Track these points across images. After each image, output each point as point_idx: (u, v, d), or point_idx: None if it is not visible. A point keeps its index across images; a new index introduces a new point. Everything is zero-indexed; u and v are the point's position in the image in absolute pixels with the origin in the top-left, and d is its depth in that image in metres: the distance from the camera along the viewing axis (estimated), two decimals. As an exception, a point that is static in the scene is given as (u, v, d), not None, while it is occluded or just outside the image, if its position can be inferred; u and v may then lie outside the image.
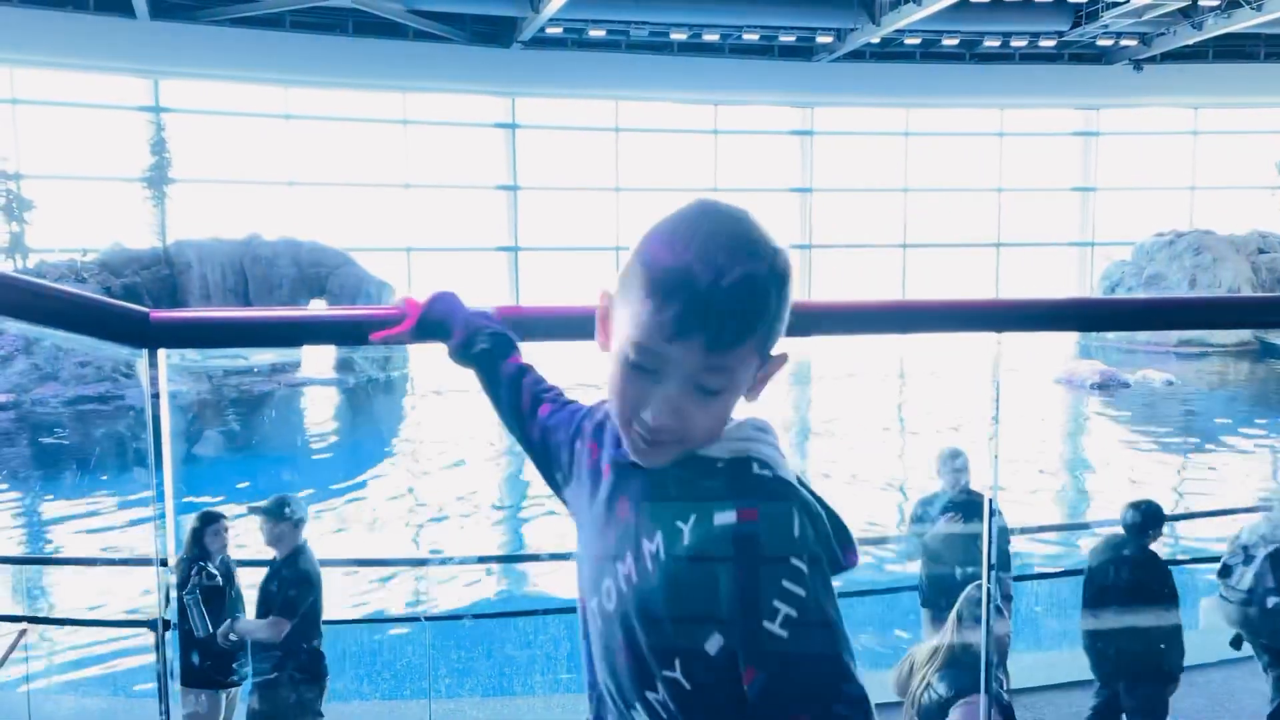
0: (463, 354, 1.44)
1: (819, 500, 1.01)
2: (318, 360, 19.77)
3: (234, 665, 4.64)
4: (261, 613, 4.59)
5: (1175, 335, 22.55)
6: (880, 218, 29.98)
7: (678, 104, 28.36)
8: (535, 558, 9.40)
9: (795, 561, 0.94)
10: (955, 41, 26.86)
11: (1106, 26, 25.32)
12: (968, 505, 5.07)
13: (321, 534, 10.57)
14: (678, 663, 0.99)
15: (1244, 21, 23.50)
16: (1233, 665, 5.70)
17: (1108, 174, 30.54)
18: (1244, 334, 22.97)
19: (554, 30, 24.93)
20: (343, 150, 26.28)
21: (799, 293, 1.03)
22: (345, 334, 1.21)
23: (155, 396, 1.19)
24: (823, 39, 26.18)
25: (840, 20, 24.94)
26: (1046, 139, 30.23)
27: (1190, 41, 25.73)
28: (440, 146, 27.15)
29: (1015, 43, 27.01)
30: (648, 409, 0.98)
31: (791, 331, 1.03)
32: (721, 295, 0.95)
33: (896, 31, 24.67)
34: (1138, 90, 28.38)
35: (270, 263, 21.22)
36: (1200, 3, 23.72)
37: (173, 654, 4.52)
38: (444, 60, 25.07)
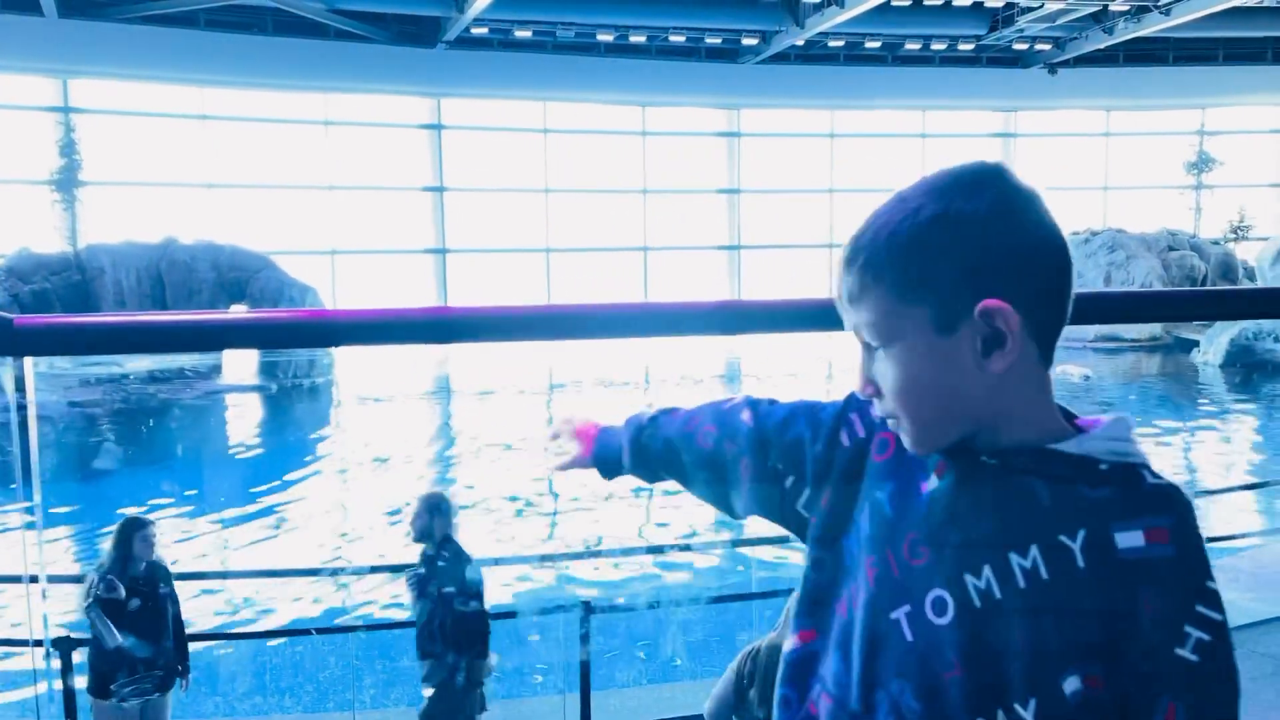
0: (639, 460, 1.23)
1: None
2: (239, 366, 19.32)
3: (137, 678, 4.49)
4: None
5: (1093, 331, 23.18)
6: (807, 218, 30.33)
7: (605, 105, 28.35)
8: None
9: (1209, 584, 0.86)
10: (878, 44, 27.29)
11: (1022, 31, 25.95)
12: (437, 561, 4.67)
13: (243, 542, 10.32)
14: (1033, 703, 0.87)
15: (1153, 26, 24.27)
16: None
17: (1026, 175, 31.15)
18: (1157, 329, 23.73)
19: (479, 30, 24.74)
20: (263, 152, 25.72)
21: (734, 292, 1.00)
22: (227, 338, 1.14)
23: (22, 408, 1.11)
24: (748, 41, 26.39)
25: (765, 23, 25.17)
26: (967, 140, 30.88)
27: (1102, 46, 26.50)
28: (364, 148, 26.75)
29: (935, 46, 27.55)
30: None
31: (724, 330, 1.01)
32: (852, 244, 0.96)
33: (820, 34, 24.98)
34: (1052, 93, 29.14)
35: (188, 267, 20.68)
36: (1111, 8, 24.44)
37: (78, 672, 4.35)
38: (367, 60, 24.70)
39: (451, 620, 4.45)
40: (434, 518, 4.59)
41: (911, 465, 0.97)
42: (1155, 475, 0.89)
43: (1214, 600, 0.85)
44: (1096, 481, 0.88)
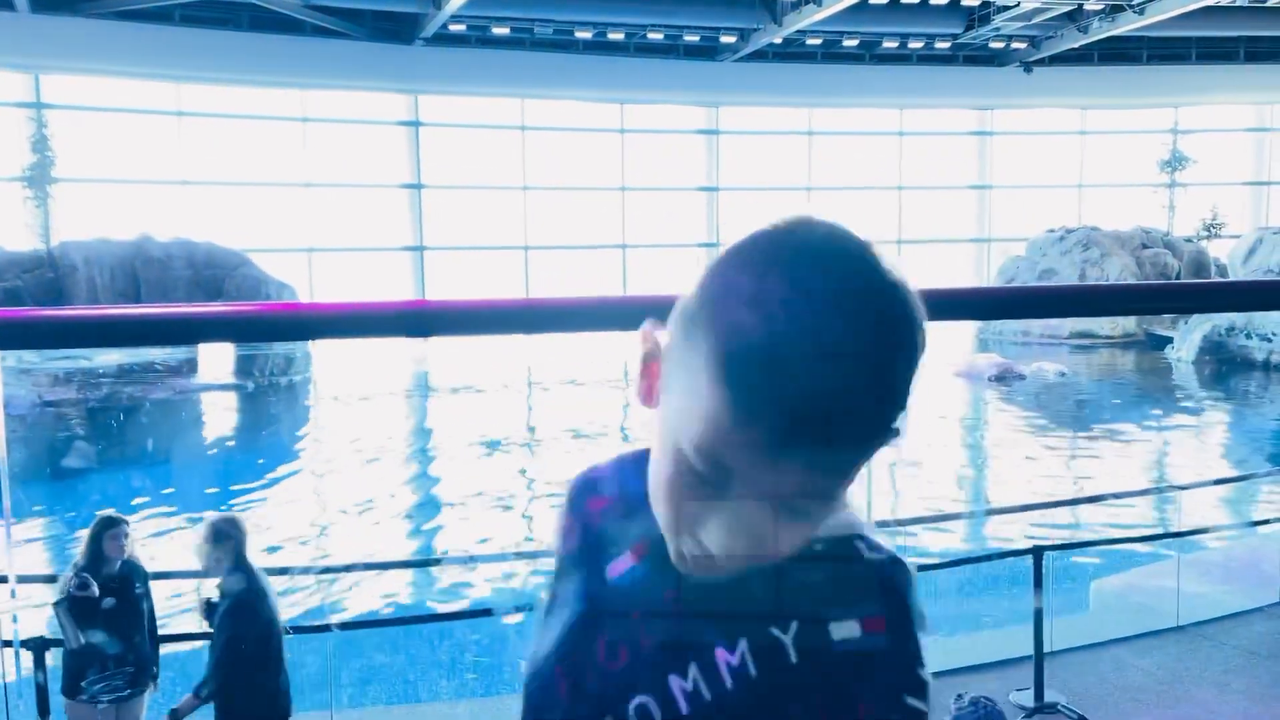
0: None
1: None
2: (216, 363, 19.17)
3: (107, 675, 4.45)
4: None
5: (1067, 328, 23.38)
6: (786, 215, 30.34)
7: (584, 102, 28.30)
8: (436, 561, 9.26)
9: (920, 672, 0.77)
10: (855, 42, 27.38)
11: (998, 30, 26.10)
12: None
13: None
14: None
15: (1127, 25, 24.47)
16: (1121, 644, 5.90)
17: (1002, 172, 31.51)
18: (1131, 326, 23.95)
19: (457, 27, 24.64)
20: (239, 148, 25.53)
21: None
22: (200, 332, 1.13)
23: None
24: (726, 39, 26.42)
25: (743, 20, 25.20)
26: (944, 138, 31.04)
27: (1077, 45, 26.70)
28: (341, 145, 26.59)
29: (912, 44, 27.68)
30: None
31: None
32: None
33: (798, 32, 25.04)
34: (1028, 91, 29.33)
35: (164, 265, 20.48)
36: (1085, 7, 24.62)
37: (45, 673, 4.31)
38: (344, 57, 24.55)
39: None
40: (218, 545, 4.47)
41: (598, 548, 0.84)
42: (873, 548, 0.79)
43: (923, 691, 0.77)
44: (812, 566, 0.77)
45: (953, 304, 1.70)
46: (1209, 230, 30.07)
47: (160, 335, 1.24)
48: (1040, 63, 28.58)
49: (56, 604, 4.37)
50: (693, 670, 0.77)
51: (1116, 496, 9.37)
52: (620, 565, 0.82)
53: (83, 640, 4.34)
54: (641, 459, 0.82)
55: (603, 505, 0.87)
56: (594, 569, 0.84)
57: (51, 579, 4.83)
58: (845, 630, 0.76)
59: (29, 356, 13.52)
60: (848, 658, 0.75)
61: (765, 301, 0.68)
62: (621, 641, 0.81)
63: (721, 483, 0.70)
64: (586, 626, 0.83)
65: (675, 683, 0.78)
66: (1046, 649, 5.32)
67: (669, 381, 0.75)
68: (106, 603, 4.44)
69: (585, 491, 0.90)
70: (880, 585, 0.78)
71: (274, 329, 1.20)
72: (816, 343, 0.65)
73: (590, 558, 0.85)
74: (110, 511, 4.83)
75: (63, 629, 4.37)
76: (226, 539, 4.44)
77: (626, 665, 0.80)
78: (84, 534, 4.66)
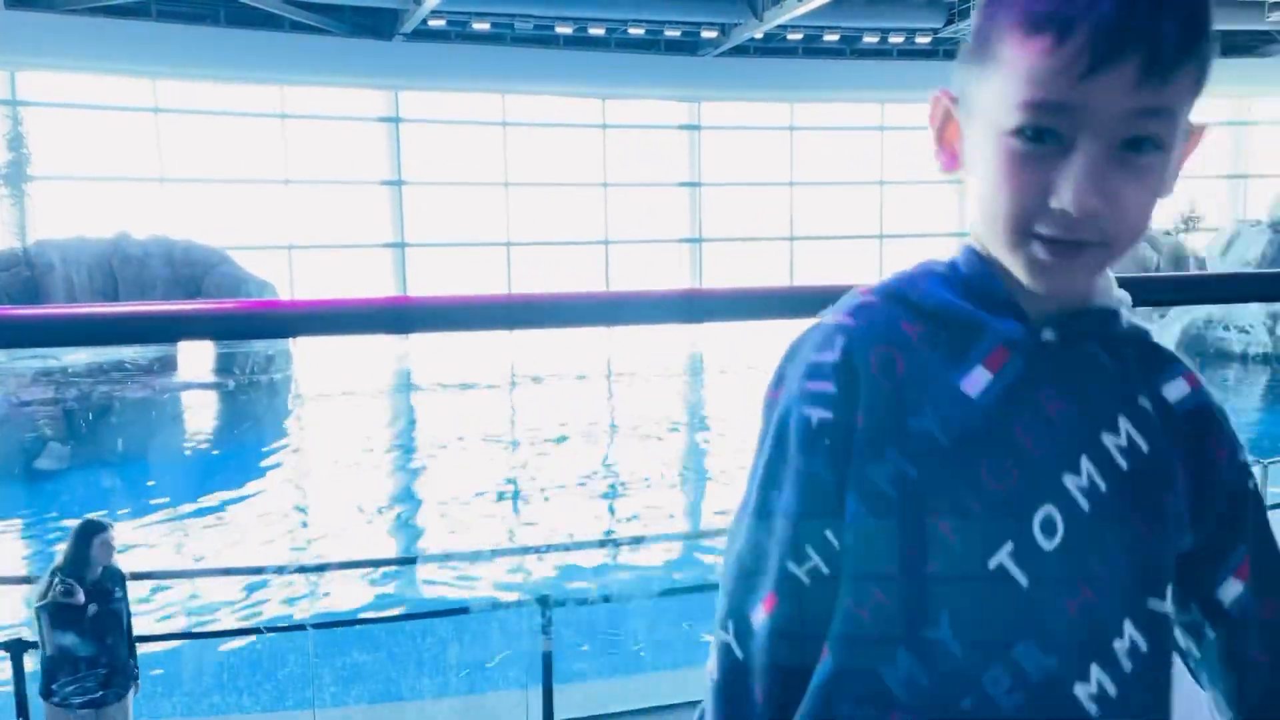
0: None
1: None
2: (195, 362, 19.04)
3: (79, 677, 4.42)
4: None
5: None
6: (768, 211, 30.43)
7: (565, 98, 28.23)
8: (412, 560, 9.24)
9: (1231, 428, 0.83)
10: (836, 37, 27.42)
11: (978, 24, 26.18)
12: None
13: (200, 539, 10.18)
14: (1161, 584, 0.78)
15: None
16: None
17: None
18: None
19: (436, 23, 24.52)
20: (217, 145, 25.33)
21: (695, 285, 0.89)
22: (177, 330, 1.12)
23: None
24: (707, 34, 26.41)
25: (724, 15, 25.20)
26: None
27: (1056, 39, 26.82)
28: (321, 141, 26.42)
29: (893, 39, 27.74)
30: (1060, 193, 0.70)
31: (687, 319, 0.90)
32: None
33: (779, 27, 25.06)
34: (1008, 86, 29.43)
35: (141, 263, 20.31)
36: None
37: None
38: (323, 52, 24.39)
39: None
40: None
41: (938, 370, 0.77)
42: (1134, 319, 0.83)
43: (1239, 446, 0.84)
44: (1128, 337, 0.81)
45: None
46: (1187, 224, 30.27)
47: (140, 333, 1.22)
48: (1020, 57, 28.67)
49: (39, 608, 4.33)
50: (1084, 463, 0.76)
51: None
52: (976, 382, 0.77)
53: (59, 644, 4.30)
54: (927, 274, 0.82)
55: (916, 333, 0.78)
56: (943, 395, 0.76)
57: (27, 580, 4.78)
58: (1176, 390, 0.81)
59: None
60: (1193, 414, 0.81)
61: None
62: (1008, 459, 0.75)
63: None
64: (960, 459, 0.75)
65: (1070, 482, 0.76)
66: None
67: (977, 96, 0.78)
68: (90, 609, 4.40)
69: (869, 341, 0.78)
70: (1173, 353, 0.83)
71: (254, 326, 1.19)
72: None
73: (925, 386, 0.77)
74: (97, 515, 4.79)
75: (39, 632, 4.33)
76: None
77: (1016, 482, 0.75)
78: (67, 537, 4.61)
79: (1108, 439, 0.77)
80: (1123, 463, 0.77)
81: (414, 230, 27.48)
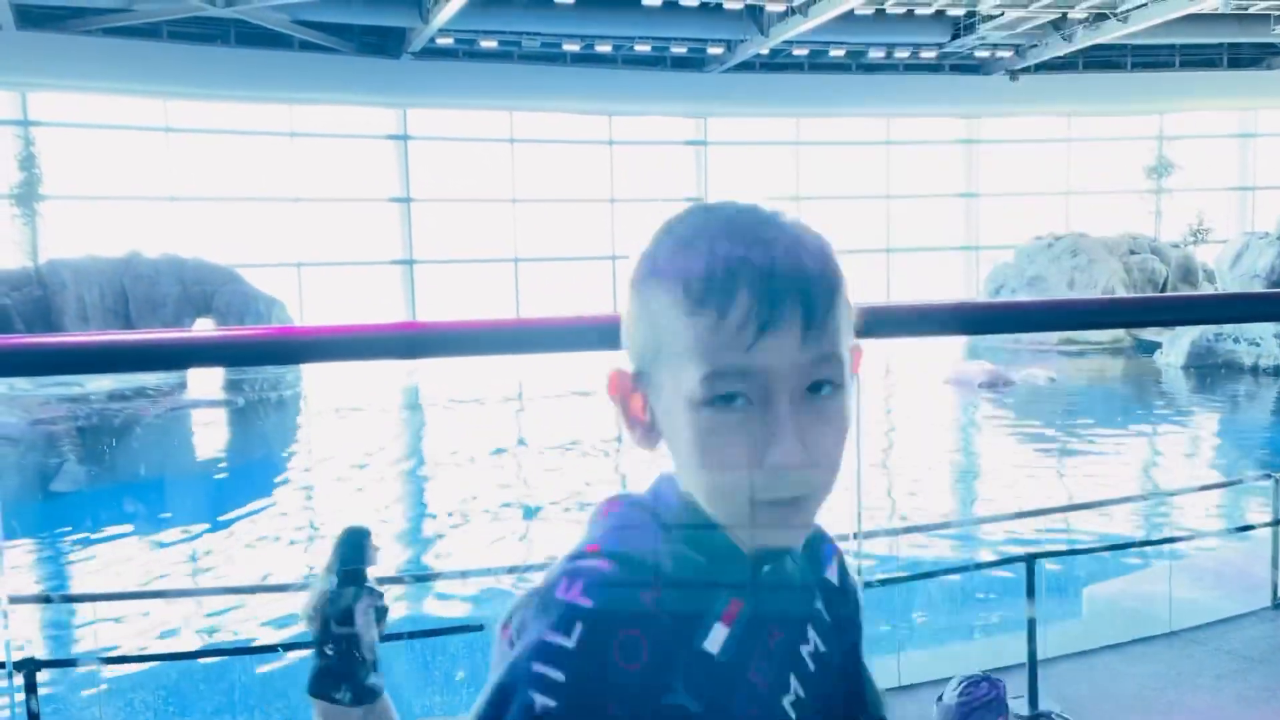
0: None
1: None
2: (205, 380, 19.11)
3: (365, 678, 4.55)
4: None
5: (1057, 335, 23.44)
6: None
7: (572, 115, 28.35)
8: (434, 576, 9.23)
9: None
10: (842, 52, 27.49)
11: (983, 38, 26.25)
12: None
13: (207, 558, 10.20)
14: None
15: (1111, 34, 24.64)
16: (1114, 650, 5.91)
17: (989, 180, 31.65)
18: (1119, 332, 24.02)
19: (444, 41, 24.67)
20: (227, 164, 25.49)
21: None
22: (191, 357, 1.14)
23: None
24: (713, 50, 26.51)
25: (730, 32, 25.29)
26: (931, 147, 31.16)
27: (1062, 53, 26.85)
28: (330, 159, 26.57)
29: (899, 54, 27.80)
30: (768, 453, 0.72)
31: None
32: (786, 261, 0.73)
33: (785, 42, 25.13)
34: (1015, 100, 29.47)
35: (152, 281, 20.43)
36: (1070, 15, 24.78)
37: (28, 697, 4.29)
38: (332, 71, 24.56)
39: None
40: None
41: (682, 638, 0.75)
42: None
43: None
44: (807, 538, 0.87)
45: (938, 319, 1.71)
46: (1196, 236, 30.21)
47: (151, 360, 1.24)
48: (1026, 71, 28.74)
49: (328, 611, 4.41)
50: (793, 681, 0.81)
51: (1107, 504, 9.39)
52: (716, 640, 0.76)
53: (341, 644, 4.42)
54: (652, 530, 0.78)
55: (654, 599, 0.75)
56: (691, 668, 0.75)
57: (45, 599, 4.78)
58: (832, 571, 0.88)
59: (20, 382, 13.47)
60: (853, 594, 0.89)
61: (691, 246, 0.74)
62: (748, 704, 0.77)
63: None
64: (718, 703, 0.76)
65: (786, 701, 0.80)
66: (1040, 656, 5.32)
67: (658, 377, 0.76)
68: (381, 609, 4.52)
69: (610, 628, 0.73)
70: (825, 534, 0.89)
71: (265, 353, 1.20)
72: (741, 243, 0.73)
73: (668, 674, 0.74)
74: (358, 523, 4.89)
75: (317, 634, 4.42)
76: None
77: (764, 690, 0.79)
78: (331, 543, 4.69)
79: (804, 650, 0.83)
80: (812, 666, 0.83)
81: (422, 247, 27.58)
